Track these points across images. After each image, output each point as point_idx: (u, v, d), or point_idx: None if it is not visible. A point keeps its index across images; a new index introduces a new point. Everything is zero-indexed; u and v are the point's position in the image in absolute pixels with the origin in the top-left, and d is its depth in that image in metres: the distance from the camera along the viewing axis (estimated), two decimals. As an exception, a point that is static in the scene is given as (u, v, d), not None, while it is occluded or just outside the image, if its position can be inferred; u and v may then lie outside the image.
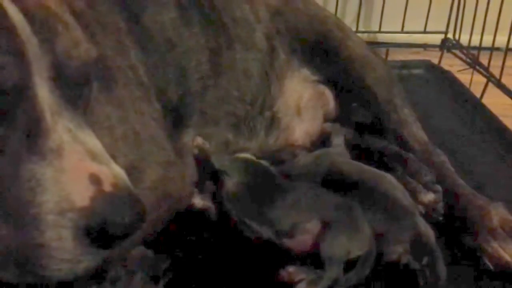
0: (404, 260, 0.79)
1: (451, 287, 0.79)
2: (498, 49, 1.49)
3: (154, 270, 0.72)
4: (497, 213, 0.89)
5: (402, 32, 1.76)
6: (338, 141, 1.00)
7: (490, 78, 1.51)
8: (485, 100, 1.43)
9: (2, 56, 0.52)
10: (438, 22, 1.74)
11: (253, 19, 1.08)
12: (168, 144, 0.84)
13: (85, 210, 0.53)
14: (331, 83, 1.15)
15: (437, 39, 1.77)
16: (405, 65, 1.56)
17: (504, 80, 1.47)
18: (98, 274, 0.62)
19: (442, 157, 1.03)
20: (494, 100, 1.43)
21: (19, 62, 0.53)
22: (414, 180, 0.94)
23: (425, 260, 0.78)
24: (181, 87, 0.93)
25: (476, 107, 1.36)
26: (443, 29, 1.75)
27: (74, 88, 0.58)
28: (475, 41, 1.61)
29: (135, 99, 0.82)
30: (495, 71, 1.50)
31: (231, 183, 0.85)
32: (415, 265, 0.79)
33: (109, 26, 0.83)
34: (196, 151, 0.90)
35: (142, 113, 0.82)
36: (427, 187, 0.93)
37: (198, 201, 0.87)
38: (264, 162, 0.90)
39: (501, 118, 1.29)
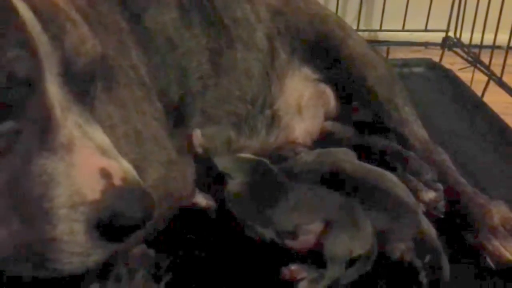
0: (406, 258, 0.79)
1: (452, 285, 0.79)
2: (499, 47, 1.49)
3: (155, 268, 0.72)
4: (498, 211, 0.89)
5: (403, 30, 1.76)
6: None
7: (491, 76, 1.51)
8: (486, 99, 1.43)
9: (16, 49, 0.53)
10: (439, 20, 1.74)
11: (253, 19, 1.08)
12: (170, 144, 0.85)
13: (96, 203, 0.54)
14: (332, 82, 1.15)
15: (438, 37, 1.77)
16: (406, 63, 1.56)
17: (505, 79, 1.47)
18: (100, 272, 0.62)
19: (443, 156, 1.04)
20: (495, 99, 1.43)
21: (31, 57, 0.54)
22: (415, 178, 0.94)
23: (427, 258, 0.79)
24: (182, 87, 0.93)
25: (477, 105, 1.36)
26: (444, 27, 1.75)
27: (82, 84, 0.59)
28: (476, 39, 1.61)
29: (137, 99, 0.82)
30: (496, 70, 1.50)
31: (233, 183, 0.85)
32: (417, 263, 0.79)
33: (110, 26, 0.83)
34: (199, 150, 0.90)
35: (144, 112, 0.82)
36: (428, 185, 0.93)
37: (201, 200, 0.87)
38: (266, 161, 0.90)
39: (502, 117, 1.29)
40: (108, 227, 0.54)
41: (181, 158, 0.87)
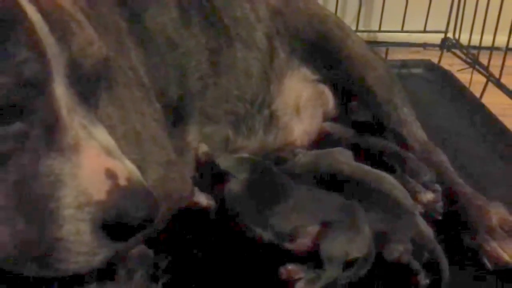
0: (404, 259, 0.79)
1: (450, 286, 0.79)
2: (498, 48, 1.50)
3: (154, 268, 0.72)
4: (496, 213, 0.89)
5: (402, 31, 1.76)
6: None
7: (490, 77, 1.51)
8: (484, 100, 1.43)
9: (25, 51, 0.53)
10: (438, 22, 1.74)
11: (253, 19, 1.08)
12: (169, 144, 0.85)
13: (102, 203, 0.55)
14: (331, 82, 1.15)
15: (437, 38, 1.77)
16: (404, 64, 1.56)
17: (503, 80, 1.47)
18: (99, 272, 0.62)
19: (441, 157, 1.04)
20: (493, 100, 1.43)
21: (39, 59, 0.54)
22: (414, 179, 0.94)
23: (425, 259, 0.79)
24: (181, 86, 0.93)
25: (475, 106, 1.37)
26: (443, 28, 1.75)
27: (87, 85, 0.59)
28: (475, 41, 1.61)
29: (136, 100, 0.82)
30: (495, 71, 1.50)
31: (234, 183, 0.85)
32: (415, 265, 0.79)
33: (110, 27, 0.83)
34: (203, 158, 0.90)
35: (143, 113, 0.82)
36: (427, 186, 0.93)
37: (203, 200, 0.87)
38: (267, 162, 0.90)
39: (500, 118, 1.29)
40: (114, 227, 0.55)
41: (180, 159, 0.87)
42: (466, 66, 1.62)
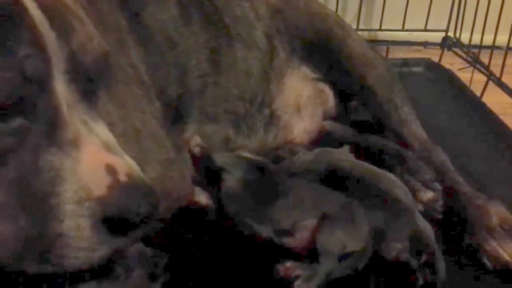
0: (402, 257, 0.79)
1: (449, 286, 0.79)
2: (498, 47, 1.50)
3: (152, 267, 0.72)
4: (496, 212, 0.89)
5: (402, 30, 1.76)
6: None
7: (490, 76, 1.51)
8: (485, 99, 1.43)
9: (26, 47, 0.54)
10: (438, 20, 1.74)
11: (253, 17, 1.08)
12: (168, 142, 0.85)
13: (103, 199, 0.55)
14: (331, 81, 1.15)
15: (437, 37, 1.77)
16: (405, 63, 1.55)
17: (504, 79, 1.47)
18: (97, 271, 0.62)
19: (441, 156, 1.04)
20: (494, 99, 1.43)
21: (40, 55, 0.55)
22: (413, 178, 0.94)
23: (424, 258, 0.79)
24: (181, 85, 0.93)
25: (476, 105, 1.36)
26: (444, 27, 1.75)
27: (87, 82, 0.60)
28: (476, 40, 1.61)
29: (136, 97, 0.82)
30: (496, 70, 1.50)
31: (231, 181, 0.85)
32: (413, 263, 0.79)
33: (109, 24, 0.83)
34: (196, 150, 0.90)
35: (143, 111, 0.82)
36: (426, 185, 0.93)
37: (203, 198, 0.87)
38: (264, 160, 0.90)
39: (501, 117, 1.29)
40: (114, 222, 0.55)
41: (180, 157, 0.87)
42: (467, 65, 1.62)
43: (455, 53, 1.71)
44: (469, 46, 1.65)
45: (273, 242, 0.80)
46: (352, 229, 0.78)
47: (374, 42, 1.64)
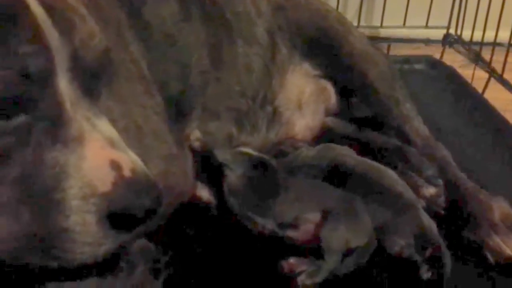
0: (406, 253, 0.79)
1: (452, 281, 0.79)
2: (500, 44, 1.49)
3: (155, 263, 0.72)
4: (498, 207, 0.89)
5: (403, 27, 1.76)
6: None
7: (492, 73, 1.51)
8: (486, 96, 1.43)
9: (29, 45, 0.54)
10: (440, 17, 1.74)
11: (254, 14, 1.08)
12: (170, 138, 0.84)
13: (107, 195, 0.55)
14: (333, 78, 1.14)
15: (439, 34, 1.77)
16: (406, 60, 1.55)
17: (506, 76, 1.47)
18: (99, 267, 0.62)
19: (443, 152, 1.03)
20: (496, 96, 1.43)
21: (43, 52, 0.55)
22: (416, 174, 0.94)
23: (428, 252, 0.78)
24: (182, 81, 0.93)
25: (478, 102, 1.36)
26: (445, 24, 1.75)
27: (89, 78, 0.60)
28: (477, 37, 1.61)
29: (137, 93, 0.82)
30: (497, 67, 1.50)
31: (233, 176, 0.85)
32: (418, 259, 0.79)
33: (109, 20, 0.83)
34: (196, 144, 0.90)
35: (144, 107, 0.82)
36: (429, 181, 0.93)
37: (205, 194, 0.87)
38: (266, 156, 0.90)
39: (503, 114, 1.29)
40: (119, 217, 0.56)
41: (182, 153, 0.86)
42: (468, 62, 1.62)
43: (457, 50, 1.71)
44: (471, 43, 1.65)
45: (276, 237, 0.81)
46: (355, 225, 0.78)
47: (375, 39, 1.64)
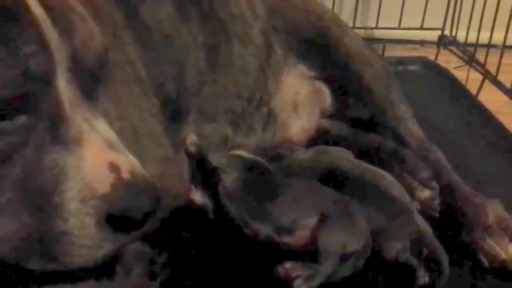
0: (402, 257, 0.79)
1: (446, 284, 0.79)
2: (494, 46, 1.50)
3: (151, 266, 0.72)
4: (493, 210, 0.89)
5: (399, 28, 1.76)
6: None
7: (486, 75, 1.51)
8: (481, 97, 1.44)
9: (29, 45, 0.54)
10: (435, 19, 1.74)
11: (250, 15, 1.08)
12: (166, 140, 0.84)
13: (106, 197, 0.55)
14: (328, 79, 1.14)
15: (434, 35, 1.77)
16: (401, 61, 1.55)
17: (500, 77, 1.47)
18: (95, 269, 0.62)
19: (438, 154, 1.04)
20: (490, 97, 1.44)
21: (43, 52, 0.55)
22: (410, 176, 0.94)
23: (424, 254, 0.79)
24: (178, 82, 0.93)
25: (472, 104, 1.37)
26: (440, 25, 1.75)
27: (89, 79, 0.60)
28: (472, 38, 1.61)
29: (133, 95, 0.82)
30: (492, 68, 1.50)
31: (228, 180, 0.85)
32: (414, 262, 0.79)
33: (106, 20, 0.82)
34: (192, 148, 0.89)
35: (140, 108, 0.82)
36: (423, 183, 0.93)
37: (198, 197, 0.87)
38: (260, 159, 0.90)
39: (496, 115, 1.29)
40: (118, 220, 0.56)
41: (178, 155, 0.86)
42: (463, 63, 1.63)
43: (451, 51, 1.71)
44: (465, 44, 1.65)
45: (272, 241, 0.80)
46: (351, 229, 0.78)
47: (370, 40, 1.63)
